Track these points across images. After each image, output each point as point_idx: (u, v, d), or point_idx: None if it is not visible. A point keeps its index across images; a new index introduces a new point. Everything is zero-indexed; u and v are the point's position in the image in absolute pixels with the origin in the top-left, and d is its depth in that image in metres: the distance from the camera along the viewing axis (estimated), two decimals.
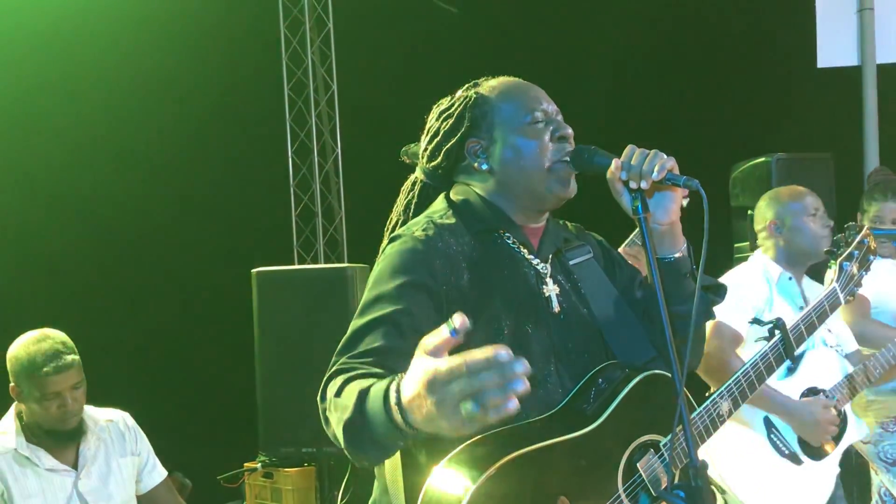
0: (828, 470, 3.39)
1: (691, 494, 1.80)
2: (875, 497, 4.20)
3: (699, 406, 2.13)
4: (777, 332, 2.49)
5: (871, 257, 3.03)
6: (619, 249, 3.68)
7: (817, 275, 3.59)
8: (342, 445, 1.71)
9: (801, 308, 3.47)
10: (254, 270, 5.11)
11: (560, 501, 1.79)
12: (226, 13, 6.73)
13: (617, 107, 7.19)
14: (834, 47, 6.13)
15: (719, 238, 5.33)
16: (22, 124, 6.03)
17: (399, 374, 1.53)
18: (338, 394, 1.71)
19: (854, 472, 5.74)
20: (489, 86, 2.09)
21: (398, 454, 1.94)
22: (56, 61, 6.16)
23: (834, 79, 6.25)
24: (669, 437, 1.91)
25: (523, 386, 1.33)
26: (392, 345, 1.81)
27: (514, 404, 1.34)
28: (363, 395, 1.62)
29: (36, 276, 5.98)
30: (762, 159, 5.38)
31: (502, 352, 1.35)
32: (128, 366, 5.97)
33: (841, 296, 2.87)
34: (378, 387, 1.59)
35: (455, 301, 1.89)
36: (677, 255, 2.05)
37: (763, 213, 3.67)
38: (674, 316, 1.91)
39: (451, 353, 1.50)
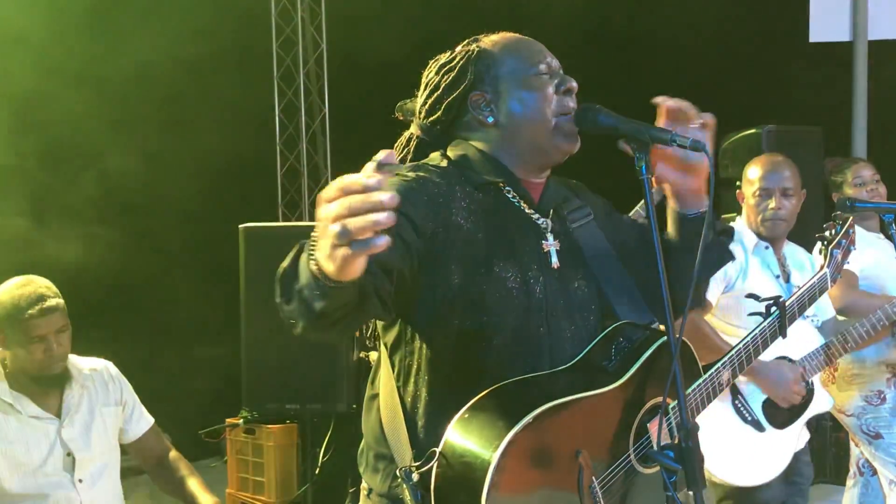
0: (788, 439, 3.41)
1: (680, 454, 1.82)
2: (853, 468, 4.25)
3: (705, 374, 2.15)
4: (774, 308, 2.56)
5: (853, 247, 3.24)
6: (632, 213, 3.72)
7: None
8: (277, 300, 1.64)
9: (778, 277, 3.53)
10: (241, 226, 5.09)
11: (582, 455, 1.80)
12: None
13: (609, 78, 7.16)
14: (826, 22, 6.13)
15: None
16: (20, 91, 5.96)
17: None
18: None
19: (831, 444, 5.84)
20: (490, 40, 2.06)
21: (395, 400, 1.94)
22: (42, 20, 6.07)
23: (826, 54, 6.26)
24: (662, 399, 1.92)
25: (388, 220, 1.27)
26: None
27: (382, 241, 1.28)
28: (301, 245, 1.58)
29: (22, 229, 5.93)
30: (752, 131, 5.40)
31: (383, 157, 1.32)
32: (112, 319, 5.94)
33: (829, 281, 3.06)
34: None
35: (452, 242, 1.87)
36: (702, 210, 2.10)
37: (743, 177, 3.66)
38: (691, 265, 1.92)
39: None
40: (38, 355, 2.98)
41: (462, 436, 1.75)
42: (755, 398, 3.38)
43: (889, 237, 3.59)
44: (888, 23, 6.15)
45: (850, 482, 4.28)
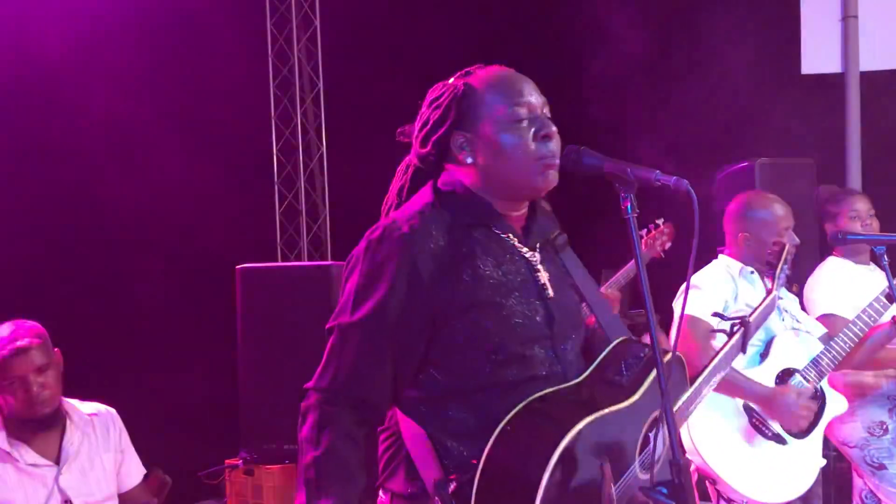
0: (813, 449, 3.47)
1: (674, 491, 1.83)
2: (856, 500, 4.24)
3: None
4: (739, 328, 2.74)
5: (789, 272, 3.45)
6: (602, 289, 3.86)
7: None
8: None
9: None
10: (238, 267, 5.11)
11: (604, 466, 1.89)
12: (212, 8, 6.70)
13: (604, 111, 7.21)
14: (818, 54, 6.17)
15: (702, 241, 5.34)
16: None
17: None
18: (316, 441, 1.94)
19: (834, 475, 5.81)
20: (479, 76, 2.12)
21: (419, 430, 2.01)
22: (33, 46, 6.12)
23: (817, 85, 6.29)
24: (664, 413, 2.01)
25: None
26: (366, 372, 1.97)
27: None
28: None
29: (17, 270, 5.94)
30: (745, 164, 5.42)
31: None
32: (110, 360, 5.93)
33: (778, 302, 3.25)
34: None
35: (445, 295, 1.97)
36: None
37: (738, 215, 3.81)
38: None
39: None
40: (21, 396, 2.98)
41: (507, 448, 1.85)
42: None
43: (882, 268, 3.63)
44: (880, 54, 6.19)
45: None
